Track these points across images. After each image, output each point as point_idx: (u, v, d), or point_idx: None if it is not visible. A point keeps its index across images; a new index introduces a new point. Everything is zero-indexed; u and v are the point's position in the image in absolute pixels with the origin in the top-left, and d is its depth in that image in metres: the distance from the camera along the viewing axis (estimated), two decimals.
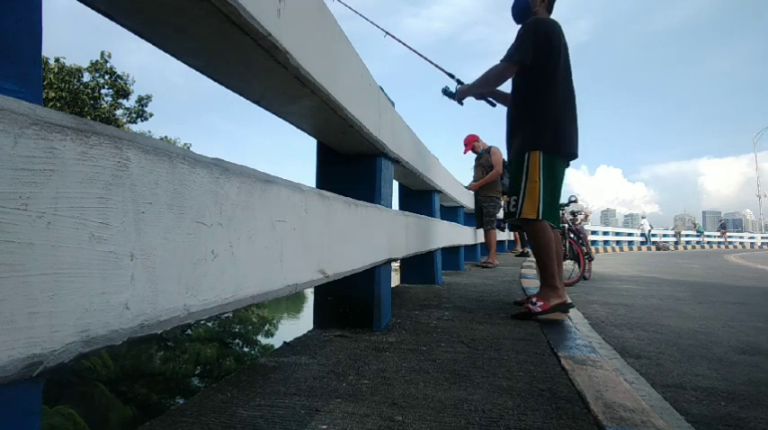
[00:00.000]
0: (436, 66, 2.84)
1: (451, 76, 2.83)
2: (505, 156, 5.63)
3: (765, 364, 1.95)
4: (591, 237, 10.60)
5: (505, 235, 7.66)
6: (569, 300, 2.41)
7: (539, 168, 2.32)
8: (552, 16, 2.49)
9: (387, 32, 2.79)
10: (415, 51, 2.72)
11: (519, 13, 2.49)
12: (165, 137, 17.33)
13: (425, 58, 2.83)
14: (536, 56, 2.34)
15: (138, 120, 15.69)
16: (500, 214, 5.62)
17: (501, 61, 2.44)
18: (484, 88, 2.63)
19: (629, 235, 20.71)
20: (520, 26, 2.44)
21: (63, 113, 0.51)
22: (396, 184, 3.06)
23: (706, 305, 3.68)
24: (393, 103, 2.17)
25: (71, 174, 0.51)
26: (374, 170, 1.99)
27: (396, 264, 3.13)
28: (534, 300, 2.37)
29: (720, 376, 1.77)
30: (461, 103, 2.73)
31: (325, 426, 1.00)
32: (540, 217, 2.33)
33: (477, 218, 5.74)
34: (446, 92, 2.74)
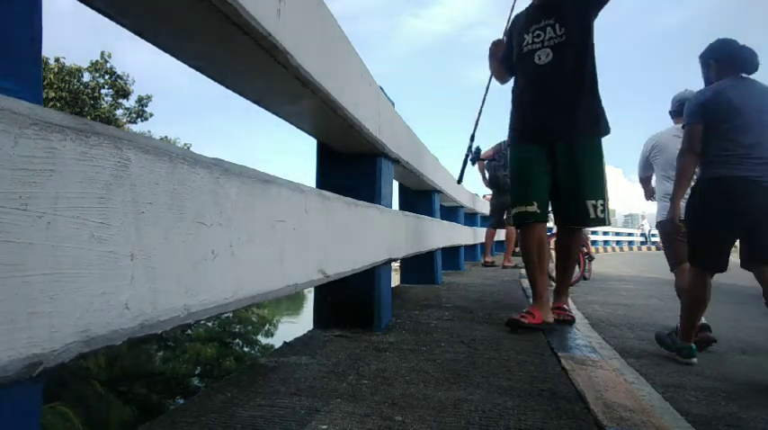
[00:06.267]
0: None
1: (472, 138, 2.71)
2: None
3: (765, 364, 1.95)
4: (591, 237, 10.60)
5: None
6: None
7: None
8: None
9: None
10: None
11: None
12: (165, 137, 17.32)
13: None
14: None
15: (138, 120, 15.70)
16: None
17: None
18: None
19: (629, 235, 20.70)
20: None
21: (63, 113, 0.51)
22: (396, 184, 3.06)
23: None
24: (393, 103, 2.17)
25: (71, 174, 0.51)
26: (374, 170, 1.99)
27: (396, 264, 3.13)
28: (528, 309, 2.28)
29: (720, 376, 1.77)
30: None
31: (325, 426, 1.00)
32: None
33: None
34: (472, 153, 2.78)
